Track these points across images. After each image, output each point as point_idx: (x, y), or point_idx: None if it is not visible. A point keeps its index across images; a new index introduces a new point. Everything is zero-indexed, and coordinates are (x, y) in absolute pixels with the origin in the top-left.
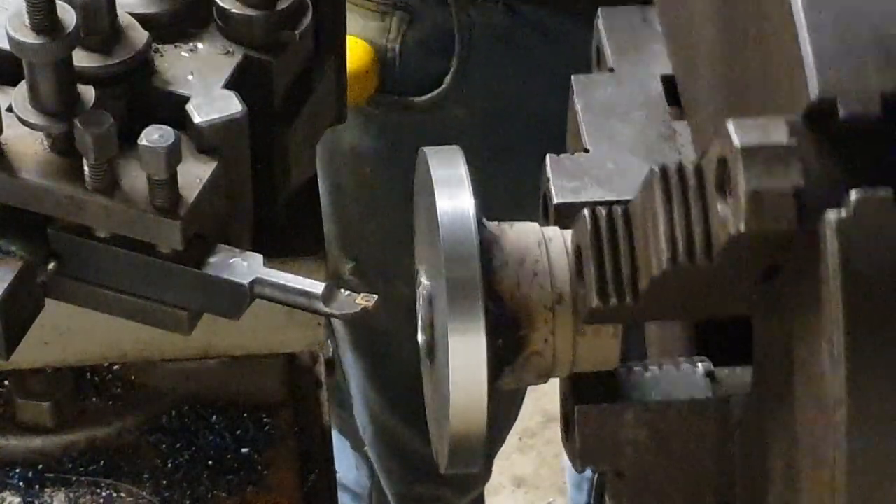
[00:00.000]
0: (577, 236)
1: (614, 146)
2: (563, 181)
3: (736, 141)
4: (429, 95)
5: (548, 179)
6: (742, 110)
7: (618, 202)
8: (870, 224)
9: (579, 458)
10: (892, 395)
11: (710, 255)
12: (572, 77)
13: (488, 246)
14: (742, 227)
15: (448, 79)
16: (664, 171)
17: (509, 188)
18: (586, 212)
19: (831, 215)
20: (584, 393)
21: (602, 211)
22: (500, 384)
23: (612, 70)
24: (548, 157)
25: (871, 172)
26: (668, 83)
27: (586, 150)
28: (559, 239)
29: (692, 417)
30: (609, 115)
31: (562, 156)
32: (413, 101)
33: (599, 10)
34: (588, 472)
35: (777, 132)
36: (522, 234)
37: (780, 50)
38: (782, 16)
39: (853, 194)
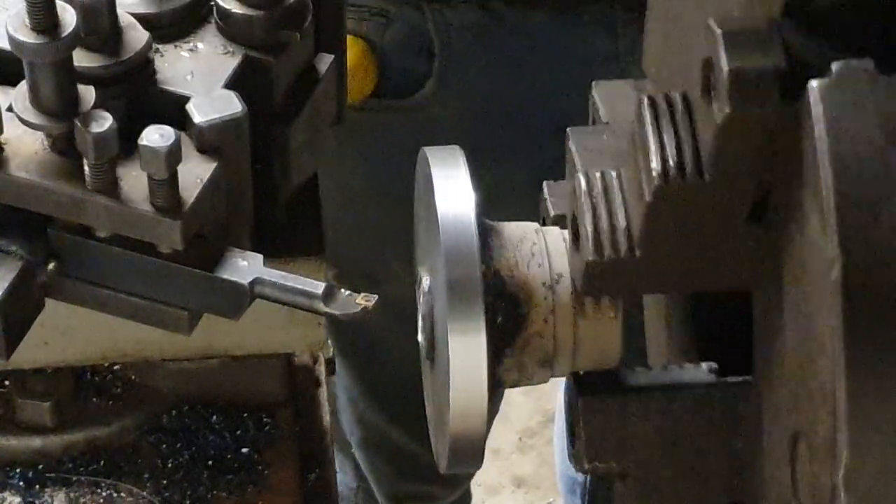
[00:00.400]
0: (571, 202)
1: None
2: (559, 199)
3: (716, 29)
4: (411, 98)
5: (545, 199)
6: None
7: None
8: (853, 91)
9: (585, 454)
10: (887, 248)
11: (701, 169)
12: (568, 129)
13: (486, 234)
14: (727, 109)
15: (430, 81)
16: (652, 99)
17: (491, 188)
18: (580, 174)
19: (815, 83)
20: (589, 386)
21: (596, 172)
22: (502, 374)
23: (606, 123)
24: (545, 183)
25: (851, 52)
26: None
27: None
28: (556, 231)
29: (699, 409)
30: (605, 154)
31: (558, 182)
32: (396, 104)
33: (593, 83)
34: (580, 477)
35: (757, 20)
36: (520, 225)
37: None
38: None
39: (835, 66)
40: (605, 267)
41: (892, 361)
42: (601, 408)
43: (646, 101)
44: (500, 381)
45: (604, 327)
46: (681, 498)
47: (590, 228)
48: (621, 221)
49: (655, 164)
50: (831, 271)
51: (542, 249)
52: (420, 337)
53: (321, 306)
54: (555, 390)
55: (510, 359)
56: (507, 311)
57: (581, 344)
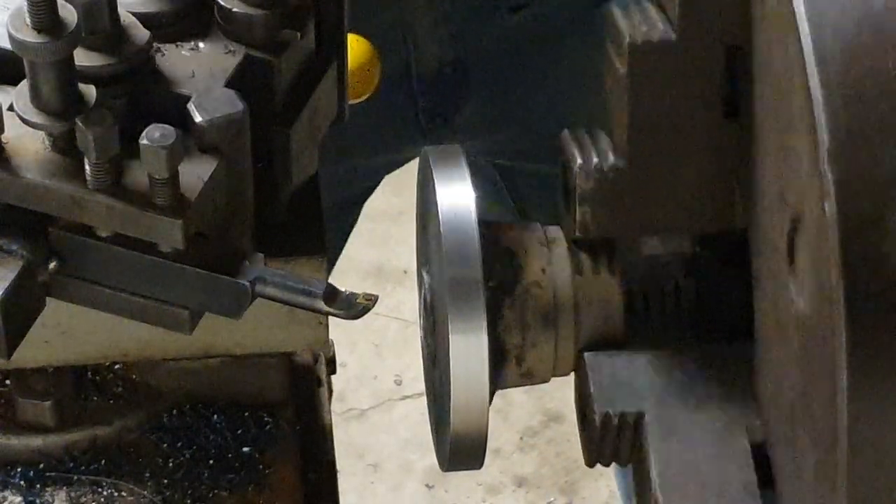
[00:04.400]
0: (562, 158)
1: None
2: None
3: None
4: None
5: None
6: None
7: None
8: None
9: (596, 401)
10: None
11: (672, 25)
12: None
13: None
14: None
15: None
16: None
17: None
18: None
19: None
20: (594, 345)
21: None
22: (503, 336)
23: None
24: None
25: None
26: None
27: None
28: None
29: (712, 361)
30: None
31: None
32: None
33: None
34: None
35: None
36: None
37: None
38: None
39: None
40: (594, 190)
41: (864, 99)
42: (608, 360)
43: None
44: (501, 348)
45: (603, 284)
46: (700, 438)
47: (577, 156)
48: (605, 141)
49: (625, 30)
50: (800, 40)
51: (537, 225)
52: (421, 336)
53: (322, 305)
54: (555, 389)
55: (510, 312)
56: (504, 262)
57: (582, 300)
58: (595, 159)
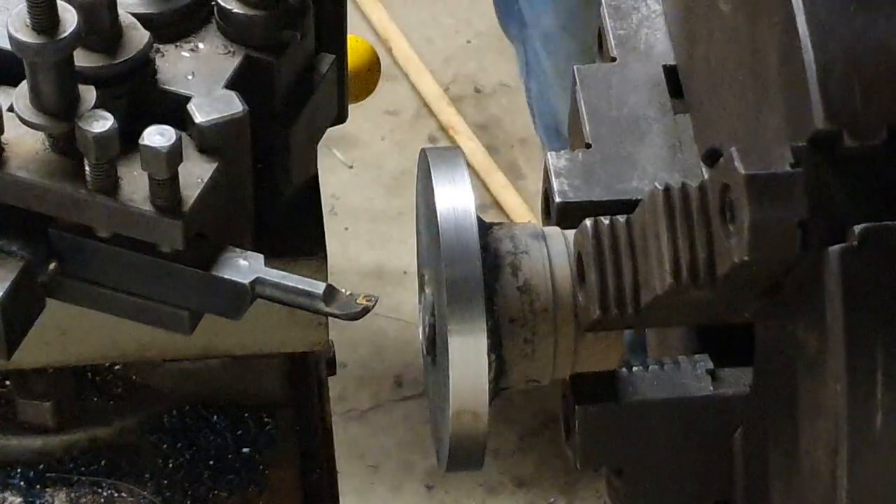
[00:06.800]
0: (578, 243)
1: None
2: (564, 180)
3: (740, 169)
4: None
5: (549, 178)
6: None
7: (620, 202)
8: (874, 256)
9: (580, 459)
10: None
11: (714, 279)
12: (574, 68)
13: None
14: (746, 257)
15: None
16: (667, 191)
17: None
18: (588, 222)
19: (835, 251)
20: (585, 392)
21: (604, 223)
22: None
23: (614, 59)
24: (548, 154)
25: (875, 201)
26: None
27: (588, 146)
28: (558, 234)
29: (693, 416)
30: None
31: (562, 153)
32: None
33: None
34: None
35: (781, 160)
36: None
37: (788, 68)
38: (790, 39)
39: (857, 228)
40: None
41: None
42: (597, 415)
43: (660, 194)
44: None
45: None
46: (671, 495)
47: (596, 286)
48: (628, 281)
49: (668, 268)
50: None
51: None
52: (421, 336)
53: (322, 306)
54: (555, 390)
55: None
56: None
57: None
58: (614, 304)
